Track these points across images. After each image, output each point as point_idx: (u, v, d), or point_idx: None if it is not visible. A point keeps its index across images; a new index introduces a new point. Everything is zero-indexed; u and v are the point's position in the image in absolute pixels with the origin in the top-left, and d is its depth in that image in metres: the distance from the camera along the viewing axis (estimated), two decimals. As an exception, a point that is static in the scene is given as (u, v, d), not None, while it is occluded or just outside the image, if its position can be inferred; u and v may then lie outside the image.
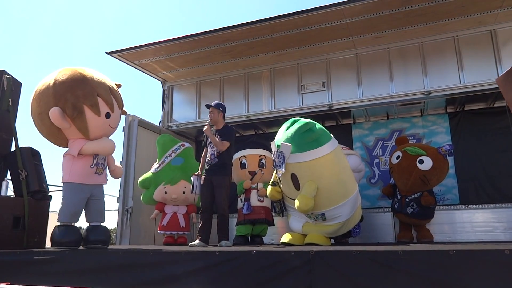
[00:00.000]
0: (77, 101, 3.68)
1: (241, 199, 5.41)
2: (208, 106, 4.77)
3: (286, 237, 4.42)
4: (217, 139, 4.58)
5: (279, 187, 4.36)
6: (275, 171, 4.19)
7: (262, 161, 5.53)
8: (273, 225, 5.48)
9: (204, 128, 4.63)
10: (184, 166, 5.84)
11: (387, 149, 6.56)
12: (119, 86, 4.22)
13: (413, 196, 5.26)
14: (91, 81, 3.82)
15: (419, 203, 5.19)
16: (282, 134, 4.16)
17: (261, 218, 5.28)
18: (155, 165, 5.88)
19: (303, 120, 4.09)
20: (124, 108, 4.26)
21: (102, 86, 3.88)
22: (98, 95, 3.81)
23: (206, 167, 4.66)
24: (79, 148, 3.78)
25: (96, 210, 4.01)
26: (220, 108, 4.75)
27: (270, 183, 4.48)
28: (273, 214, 5.18)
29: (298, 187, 4.05)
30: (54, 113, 3.64)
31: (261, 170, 5.43)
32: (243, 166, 5.51)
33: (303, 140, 3.95)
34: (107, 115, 3.89)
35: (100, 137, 3.94)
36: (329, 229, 4.23)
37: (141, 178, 5.84)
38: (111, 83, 4.06)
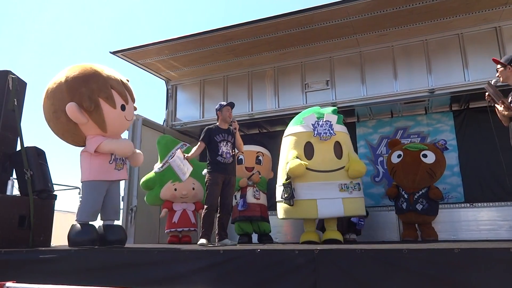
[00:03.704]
0: (92, 93, 3.64)
1: (234, 196, 5.31)
2: (232, 106, 4.61)
3: (305, 237, 4.45)
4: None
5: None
6: (319, 138, 4.36)
7: (259, 158, 5.53)
8: (269, 222, 5.41)
9: (236, 128, 4.50)
10: (188, 163, 5.85)
11: (391, 148, 6.52)
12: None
13: (421, 192, 5.31)
14: (103, 74, 3.80)
15: (427, 198, 5.28)
16: (318, 110, 4.64)
17: (257, 216, 5.23)
18: (158, 165, 5.86)
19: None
20: (135, 104, 4.21)
21: (113, 78, 3.87)
22: (111, 87, 3.79)
23: (217, 166, 4.33)
24: (96, 145, 3.71)
25: (112, 207, 3.93)
26: None
27: (295, 156, 4.27)
28: (283, 201, 4.36)
29: (339, 155, 4.40)
30: (71, 107, 3.57)
31: (259, 172, 5.43)
32: (240, 161, 5.45)
33: (339, 117, 4.63)
34: (123, 107, 3.86)
35: (118, 130, 3.93)
36: (361, 204, 4.48)
37: (143, 179, 5.78)
38: (121, 77, 4.04)
